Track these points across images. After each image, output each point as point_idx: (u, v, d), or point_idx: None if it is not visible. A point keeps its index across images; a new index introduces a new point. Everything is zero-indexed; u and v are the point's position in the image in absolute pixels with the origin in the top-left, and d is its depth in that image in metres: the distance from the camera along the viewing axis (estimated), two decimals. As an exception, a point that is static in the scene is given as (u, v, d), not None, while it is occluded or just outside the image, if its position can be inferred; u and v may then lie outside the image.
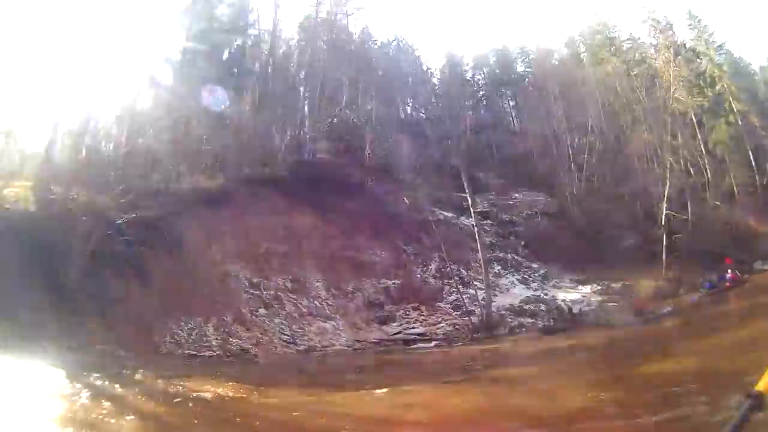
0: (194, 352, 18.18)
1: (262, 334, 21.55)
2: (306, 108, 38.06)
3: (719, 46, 62.80)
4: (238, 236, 26.76)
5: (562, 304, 30.46)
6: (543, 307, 30.07)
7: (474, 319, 27.08)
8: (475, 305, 28.06)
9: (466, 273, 33.20)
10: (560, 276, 36.36)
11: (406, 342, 24.67)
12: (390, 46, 65.35)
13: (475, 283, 31.41)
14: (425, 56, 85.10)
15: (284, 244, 27.98)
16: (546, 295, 32.69)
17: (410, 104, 63.55)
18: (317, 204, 31.35)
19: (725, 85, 57.10)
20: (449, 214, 39.51)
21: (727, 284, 29.02)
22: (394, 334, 25.65)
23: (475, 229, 31.56)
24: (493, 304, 28.68)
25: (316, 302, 25.73)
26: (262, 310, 23.24)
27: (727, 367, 10.61)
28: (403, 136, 41.96)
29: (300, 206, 30.69)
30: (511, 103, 71.11)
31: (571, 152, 51.38)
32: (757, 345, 12.31)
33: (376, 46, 60.39)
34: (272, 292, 24.68)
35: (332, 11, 45.32)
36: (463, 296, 28.87)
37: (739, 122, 55.17)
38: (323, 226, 30.73)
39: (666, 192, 37.58)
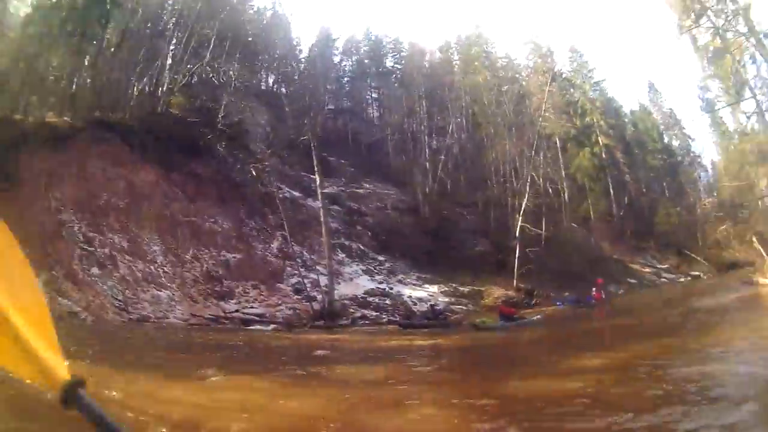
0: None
1: (93, 296, 19.73)
2: (169, 59, 34.98)
3: (596, 82, 67.51)
4: (78, 184, 24.45)
5: (408, 300, 30.77)
6: (388, 302, 30.27)
7: (316, 305, 26.50)
8: (317, 291, 27.94)
9: (309, 256, 32.83)
10: (406, 272, 36.08)
11: (244, 322, 23.39)
12: (265, 13, 62.27)
13: (317, 267, 31.06)
14: (299, 29, 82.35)
15: (125, 200, 25.83)
16: (391, 289, 32.58)
17: (273, 77, 60.68)
18: (164, 161, 29.54)
19: (595, 119, 61.31)
20: (297, 194, 38.95)
21: (594, 302, 30.47)
22: (232, 312, 24.36)
23: (321, 211, 30.68)
24: (336, 292, 28.33)
25: (152, 267, 23.87)
26: (95, 270, 21.34)
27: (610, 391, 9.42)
28: (261, 107, 40.29)
29: (146, 161, 28.52)
30: (374, 95, 70.55)
31: (428, 153, 51.91)
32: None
33: (251, 10, 57.49)
34: (107, 251, 22.67)
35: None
36: (305, 280, 28.39)
37: (603, 155, 59.05)
38: (167, 186, 28.99)
39: (524, 204, 38.67)
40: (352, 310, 27.74)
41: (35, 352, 1.20)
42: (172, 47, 37.17)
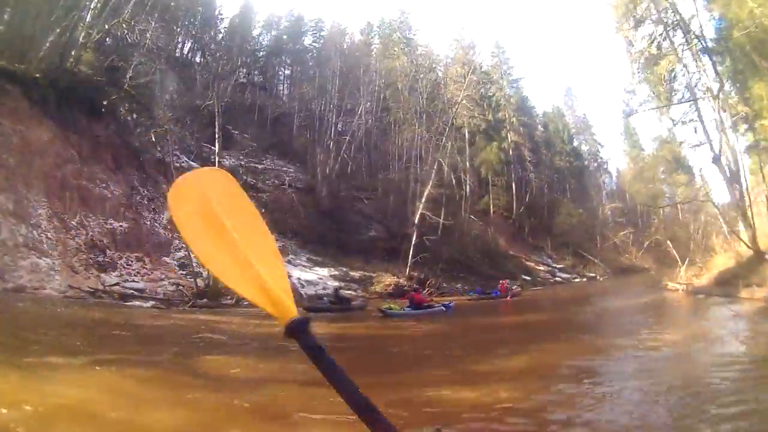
0: None
1: (-32, 261, 18.14)
2: (88, 13, 33.16)
3: (514, 80, 68.23)
4: (-33, 136, 22.01)
5: (296, 282, 29.71)
6: None
7: (200, 282, 24.55)
8: (203, 267, 25.37)
9: None
10: (297, 253, 35.04)
11: (123, 297, 21.39)
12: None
13: (208, 242, 29.06)
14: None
15: (15, 157, 22.78)
16: None
17: (190, 44, 58.85)
18: (63, 119, 26.63)
19: (507, 115, 62.13)
20: (195, 164, 34.93)
21: (500, 295, 30.98)
22: (112, 285, 22.17)
23: None
24: None
25: (35, 232, 21.28)
26: (-26, 231, 19.46)
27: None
28: (171, 71, 38.63)
29: (45, 117, 25.47)
30: (286, 72, 68.55)
31: (333, 133, 51.60)
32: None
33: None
34: None
35: None
36: (192, 254, 26.18)
37: (511, 151, 60.11)
38: (61, 146, 25.81)
39: (426, 191, 38.74)
40: None
41: (271, 290, 1.35)
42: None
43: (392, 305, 22.06)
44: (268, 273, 1.40)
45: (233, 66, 54.23)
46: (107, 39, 35.33)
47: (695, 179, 42.18)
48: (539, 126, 71.02)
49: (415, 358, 12.57)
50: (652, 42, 30.47)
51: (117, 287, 22.10)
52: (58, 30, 31.55)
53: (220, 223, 1.47)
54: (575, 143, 73.60)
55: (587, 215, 62.24)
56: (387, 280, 33.92)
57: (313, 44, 68.41)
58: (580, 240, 57.51)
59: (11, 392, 6.27)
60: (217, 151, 30.16)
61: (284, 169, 45.91)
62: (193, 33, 58.20)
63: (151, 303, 21.35)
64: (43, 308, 16.01)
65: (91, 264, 22.61)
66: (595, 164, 74.62)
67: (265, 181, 42.24)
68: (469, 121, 53.56)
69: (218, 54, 54.77)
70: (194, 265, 25.21)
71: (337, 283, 30.71)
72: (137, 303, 20.99)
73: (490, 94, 63.06)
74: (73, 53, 31.81)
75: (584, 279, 51.31)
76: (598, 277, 52.08)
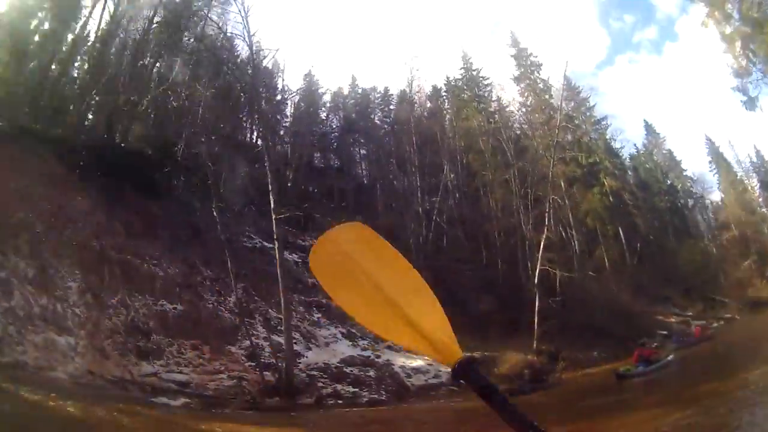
0: None
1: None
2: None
3: (597, 120, 61.62)
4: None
5: (400, 371, 23.23)
6: (372, 373, 22.63)
7: (269, 374, 19.01)
8: (280, 357, 20.19)
9: (275, 315, 24.76)
10: None
11: (155, 391, 16.07)
12: (252, 60, 56.49)
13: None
14: (284, 79, 76.55)
15: (45, 221, 19.48)
16: (378, 357, 24.85)
17: (254, 129, 55.43)
18: (105, 188, 22.98)
19: (599, 158, 55.86)
20: (267, 244, 30.65)
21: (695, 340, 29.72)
22: (148, 375, 16.96)
23: (277, 250, 22.10)
24: (304, 359, 22.07)
25: (59, 306, 16.77)
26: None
27: None
28: (237, 154, 35.03)
29: (83, 183, 22.47)
30: (362, 152, 64.44)
31: (421, 208, 45.85)
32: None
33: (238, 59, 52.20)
34: (3, 275, 15.97)
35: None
36: (265, 342, 21.52)
37: (610, 198, 53.21)
38: (104, 216, 22.22)
39: (542, 241, 31.98)
40: (320, 384, 20.28)
41: (430, 334, 1.37)
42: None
43: (629, 367, 20.97)
44: (425, 318, 1.43)
45: (303, 150, 52.02)
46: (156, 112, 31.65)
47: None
48: (629, 168, 64.96)
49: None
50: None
51: (154, 378, 17.02)
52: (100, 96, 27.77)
53: (367, 275, 1.50)
54: (669, 181, 67.22)
55: (701, 254, 56.18)
56: (513, 359, 26.47)
57: (384, 119, 64.11)
58: (701, 281, 50.56)
59: None
60: (275, 220, 21.64)
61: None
62: (257, 119, 55.49)
63: (181, 401, 15.73)
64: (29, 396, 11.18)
65: (129, 349, 17.76)
66: (692, 201, 68.54)
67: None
68: (565, 170, 46.92)
69: (287, 139, 53.58)
70: (267, 354, 20.23)
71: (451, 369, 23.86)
72: (167, 401, 15.46)
73: (577, 137, 56.09)
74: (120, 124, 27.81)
75: (721, 322, 43.76)
76: (735, 317, 44.94)
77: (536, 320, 28.60)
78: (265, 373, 18.85)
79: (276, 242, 21.67)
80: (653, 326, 38.73)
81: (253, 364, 19.86)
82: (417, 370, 23.56)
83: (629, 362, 21.89)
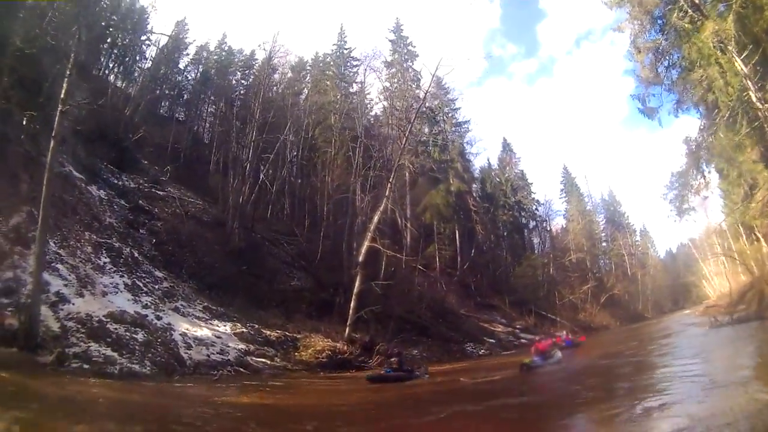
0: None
1: None
2: None
3: (458, 123, 60.43)
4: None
5: (179, 339, 18.80)
6: (142, 336, 17.26)
7: (11, 320, 13.89)
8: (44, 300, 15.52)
9: (57, 252, 19.25)
10: (190, 299, 23.80)
11: None
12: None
13: (62, 268, 18.52)
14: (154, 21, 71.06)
15: None
16: (159, 319, 19.83)
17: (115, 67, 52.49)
18: None
19: (452, 158, 54.28)
20: (77, 174, 25.98)
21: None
22: None
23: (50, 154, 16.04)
24: (70, 306, 16.58)
25: None
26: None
27: None
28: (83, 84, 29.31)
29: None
30: (210, 109, 60.99)
31: (252, 174, 40.05)
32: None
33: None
34: None
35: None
36: (29, 278, 15.18)
37: (454, 197, 51.79)
38: None
39: (374, 223, 28.37)
40: (73, 341, 14.94)
41: None
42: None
43: (527, 360, 20.58)
44: None
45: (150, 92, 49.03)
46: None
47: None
48: (476, 180, 64.11)
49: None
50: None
51: None
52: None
53: None
54: (514, 198, 67.16)
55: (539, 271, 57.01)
56: (319, 344, 23.05)
57: (242, 81, 60.33)
58: (533, 297, 50.84)
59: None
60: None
61: (190, 200, 34.98)
62: (119, 57, 52.20)
63: None
64: None
65: None
66: (534, 222, 69.63)
67: (164, 209, 31.12)
68: (413, 160, 45.18)
69: (143, 82, 49.23)
70: (24, 293, 14.78)
71: (243, 345, 20.71)
72: None
73: (435, 132, 55.49)
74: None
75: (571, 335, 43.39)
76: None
77: (353, 305, 25.36)
78: (6, 313, 14.06)
79: (52, 141, 16.13)
80: (478, 332, 37.97)
81: (6, 301, 14.79)
82: (200, 341, 19.26)
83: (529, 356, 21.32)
